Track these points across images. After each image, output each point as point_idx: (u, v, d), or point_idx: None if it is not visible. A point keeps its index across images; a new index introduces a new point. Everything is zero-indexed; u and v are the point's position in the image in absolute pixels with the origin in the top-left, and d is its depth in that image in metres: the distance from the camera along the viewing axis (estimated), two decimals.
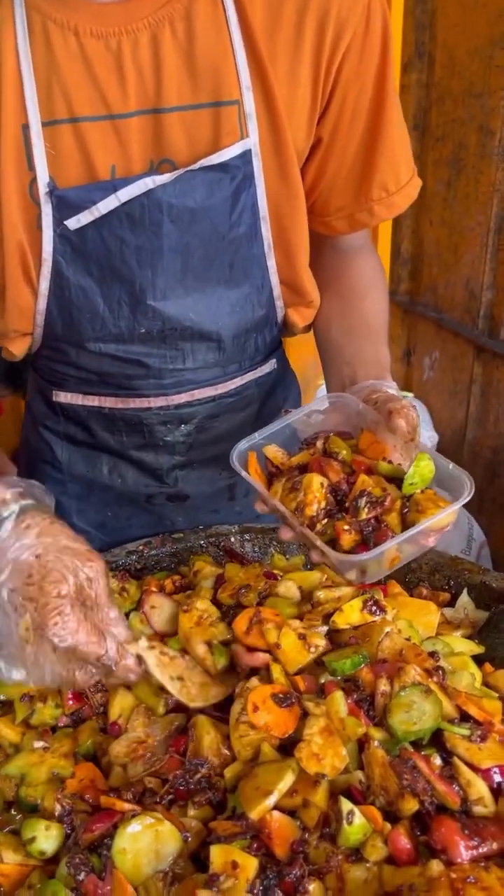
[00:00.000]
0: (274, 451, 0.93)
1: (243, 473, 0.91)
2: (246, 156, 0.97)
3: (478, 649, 0.96)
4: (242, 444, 0.94)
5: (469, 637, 1.01)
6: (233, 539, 1.20)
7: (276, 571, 1.05)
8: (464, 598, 1.08)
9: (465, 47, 2.18)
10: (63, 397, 1.19)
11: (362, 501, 0.83)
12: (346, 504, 0.86)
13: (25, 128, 0.92)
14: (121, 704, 0.88)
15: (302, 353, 1.29)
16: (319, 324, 1.19)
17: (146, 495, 1.25)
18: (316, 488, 0.85)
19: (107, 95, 0.92)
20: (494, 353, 2.33)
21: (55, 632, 0.75)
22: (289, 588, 0.96)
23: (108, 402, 1.16)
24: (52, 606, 0.75)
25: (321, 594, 0.94)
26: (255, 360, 1.20)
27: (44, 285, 1.01)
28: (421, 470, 0.86)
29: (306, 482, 0.85)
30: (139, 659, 0.82)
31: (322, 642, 0.87)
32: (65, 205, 0.95)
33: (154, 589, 1.02)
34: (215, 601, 0.97)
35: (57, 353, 1.13)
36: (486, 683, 0.91)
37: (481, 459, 2.50)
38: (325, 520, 0.85)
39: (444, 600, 1.09)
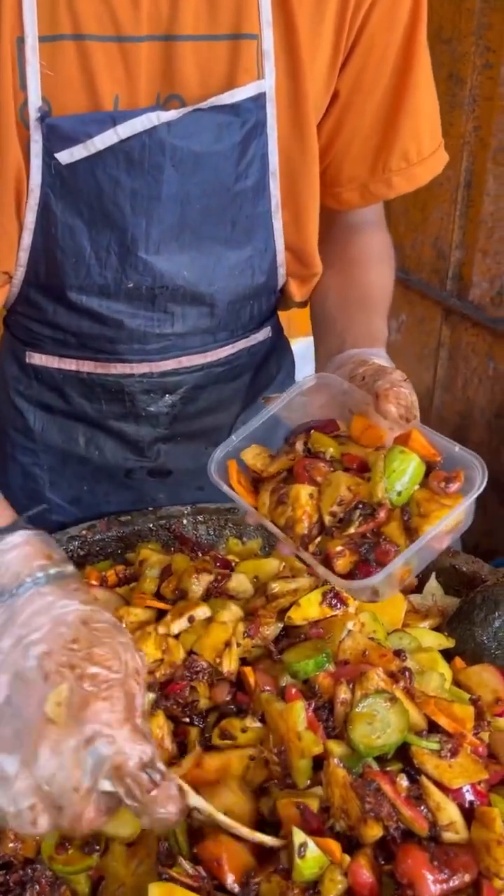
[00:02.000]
0: (254, 456, 0.80)
1: (224, 487, 0.79)
2: (259, 99, 0.87)
3: (447, 643, 0.89)
4: (218, 452, 0.81)
5: (438, 628, 0.93)
6: (185, 521, 1.11)
7: (230, 557, 0.97)
8: (432, 584, 1.01)
9: None
10: (37, 359, 1.09)
11: (355, 514, 0.71)
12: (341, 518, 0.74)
13: (20, 41, 0.80)
14: None
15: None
16: (316, 297, 1.10)
17: (126, 469, 1.16)
18: (304, 501, 0.74)
19: (117, 13, 0.81)
20: (463, 316, 2.25)
21: (101, 711, 0.57)
22: (240, 583, 0.87)
23: (87, 367, 1.06)
24: (102, 679, 0.58)
25: (276, 586, 0.86)
26: (249, 328, 1.11)
27: (30, 218, 0.90)
28: (403, 471, 0.72)
29: (293, 495, 0.74)
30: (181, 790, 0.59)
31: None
32: (56, 135, 0.84)
33: (94, 582, 0.93)
34: (159, 595, 0.89)
35: (33, 309, 1.02)
36: (456, 681, 0.84)
37: (448, 424, 2.44)
38: (319, 537, 0.73)
39: (410, 586, 1.02)
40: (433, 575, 1.02)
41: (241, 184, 0.92)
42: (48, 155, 0.85)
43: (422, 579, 1.02)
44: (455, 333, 2.32)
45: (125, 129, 0.83)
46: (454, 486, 0.72)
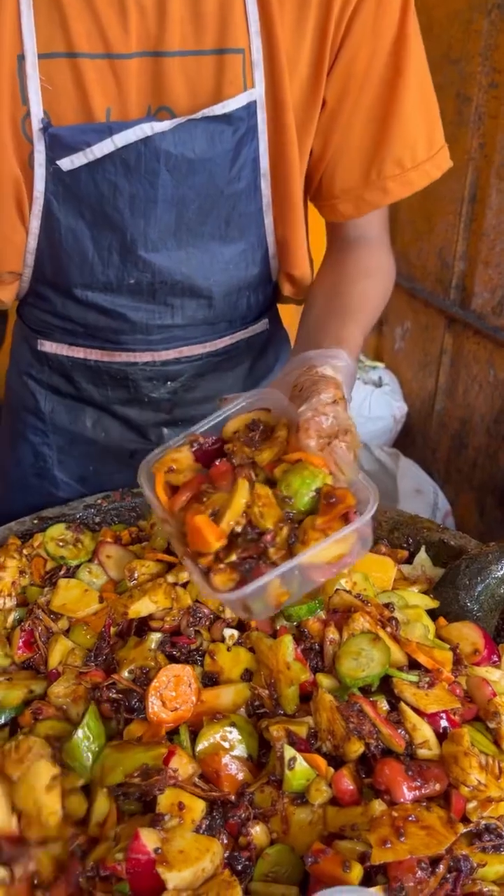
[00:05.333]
0: (182, 458, 0.79)
1: (147, 492, 0.78)
2: (251, 107, 0.94)
3: (432, 604, 0.96)
4: (151, 456, 0.80)
5: (425, 593, 1.01)
6: None
7: None
8: (421, 556, 1.08)
9: (444, 10, 2.15)
10: (48, 347, 1.17)
11: (238, 540, 0.71)
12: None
13: (21, 58, 0.88)
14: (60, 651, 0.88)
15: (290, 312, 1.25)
16: (305, 308, 1.12)
17: (129, 451, 1.23)
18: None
19: (107, 33, 0.89)
20: (465, 324, 2.33)
21: None
22: None
23: (94, 355, 1.14)
24: None
25: None
26: (247, 319, 1.17)
27: (35, 224, 0.98)
28: (304, 486, 0.71)
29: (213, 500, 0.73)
30: None
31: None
32: (58, 144, 0.91)
33: (109, 539, 1.01)
34: (169, 553, 0.96)
35: (43, 302, 1.10)
36: (439, 636, 0.91)
37: (449, 430, 2.51)
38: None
39: (402, 557, 1.09)
40: (423, 548, 1.09)
41: (234, 186, 0.98)
42: (51, 163, 0.92)
43: (412, 552, 1.10)
44: (457, 341, 2.40)
45: (121, 139, 0.90)
46: (352, 518, 0.71)
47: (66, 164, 0.92)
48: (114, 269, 1.01)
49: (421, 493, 2.27)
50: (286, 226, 1.06)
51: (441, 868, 0.61)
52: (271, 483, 0.75)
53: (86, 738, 0.74)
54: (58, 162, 0.92)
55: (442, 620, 0.94)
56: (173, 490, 0.78)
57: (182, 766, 0.72)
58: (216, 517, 0.72)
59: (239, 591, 0.69)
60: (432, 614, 0.95)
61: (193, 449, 0.78)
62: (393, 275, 1.14)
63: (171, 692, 0.78)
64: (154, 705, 0.77)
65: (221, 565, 0.71)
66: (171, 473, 0.78)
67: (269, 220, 1.05)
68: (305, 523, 0.72)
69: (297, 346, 1.05)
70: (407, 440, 2.72)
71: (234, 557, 0.71)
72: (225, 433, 0.80)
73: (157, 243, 0.99)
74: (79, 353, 1.15)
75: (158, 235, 0.99)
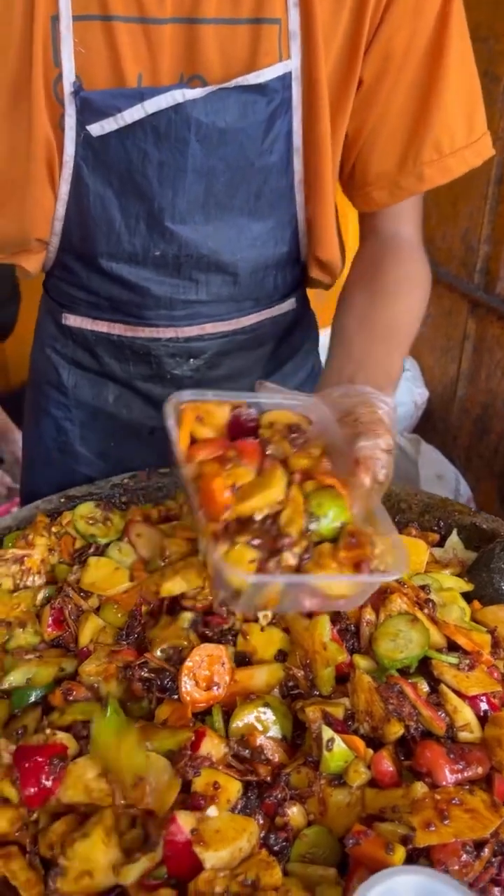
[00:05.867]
0: (218, 414, 0.74)
1: (170, 423, 0.74)
2: (286, 79, 0.92)
3: (467, 587, 0.94)
4: (187, 393, 0.76)
5: (458, 576, 0.99)
6: None
7: None
8: (453, 539, 1.06)
9: None
10: (72, 321, 1.16)
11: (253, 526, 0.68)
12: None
13: (55, 19, 0.87)
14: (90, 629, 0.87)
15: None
16: (339, 312, 1.06)
17: (150, 427, 1.22)
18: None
19: None
20: (489, 309, 2.30)
21: None
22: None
23: (117, 329, 1.13)
24: None
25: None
26: (274, 298, 1.15)
27: (64, 189, 0.97)
28: (326, 512, 0.68)
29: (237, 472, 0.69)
30: None
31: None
32: (88, 108, 0.90)
33: (139, 518, 1.00)
34: None
35: (69, 274, 1.10)
36: (474, 619, 0.89)
37: (471, 416, 2.49)
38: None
39: (433, 541, 1.07)
40: (455, 531, 1.08)
41: (265, 159, 0.96)
42: (81, 127, 0.91)
43: (444, 536, 1.08)
44: (480, 326, 2.37)
45: (151, 105, 0.89)
46: (363, 568, 0.68)
47: (97, 129, 0.91)
48: (140, 239, 1.00)
49: (442, 479, 2.25)
50: (316, 205, 1.04)
51: (486, 852, 0.60)
52: None
53: (108, 728, 0.72)
54: (88, 127, 0.91)
55: (476, 604, 0.93)
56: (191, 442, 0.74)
57: (214, 747, 0.71)
58: (239, 493, 0.69)
59: (249, 575, 0.65)
60: (465, 598, 0.93)
61: (232, 413, 0.74)
62: (430, 285, 1.09)
63: (205, 671, 0.77)
64: (187, 685, 0.76)
65: (248, 537, 0.67)
66: (199, 422, 0.74)
67: (300, 198, 1.02)
68: (324, 548, 0.69)
69: (337, 358, 0.97)
70: (428, 426, 2.70)
71: (247, 539, 0.67)
72: (261, 420, 0.76)
73: (184, 215, 0.98)
74: (102, 327, 1.14)
75: (186, 207, 0.97)
